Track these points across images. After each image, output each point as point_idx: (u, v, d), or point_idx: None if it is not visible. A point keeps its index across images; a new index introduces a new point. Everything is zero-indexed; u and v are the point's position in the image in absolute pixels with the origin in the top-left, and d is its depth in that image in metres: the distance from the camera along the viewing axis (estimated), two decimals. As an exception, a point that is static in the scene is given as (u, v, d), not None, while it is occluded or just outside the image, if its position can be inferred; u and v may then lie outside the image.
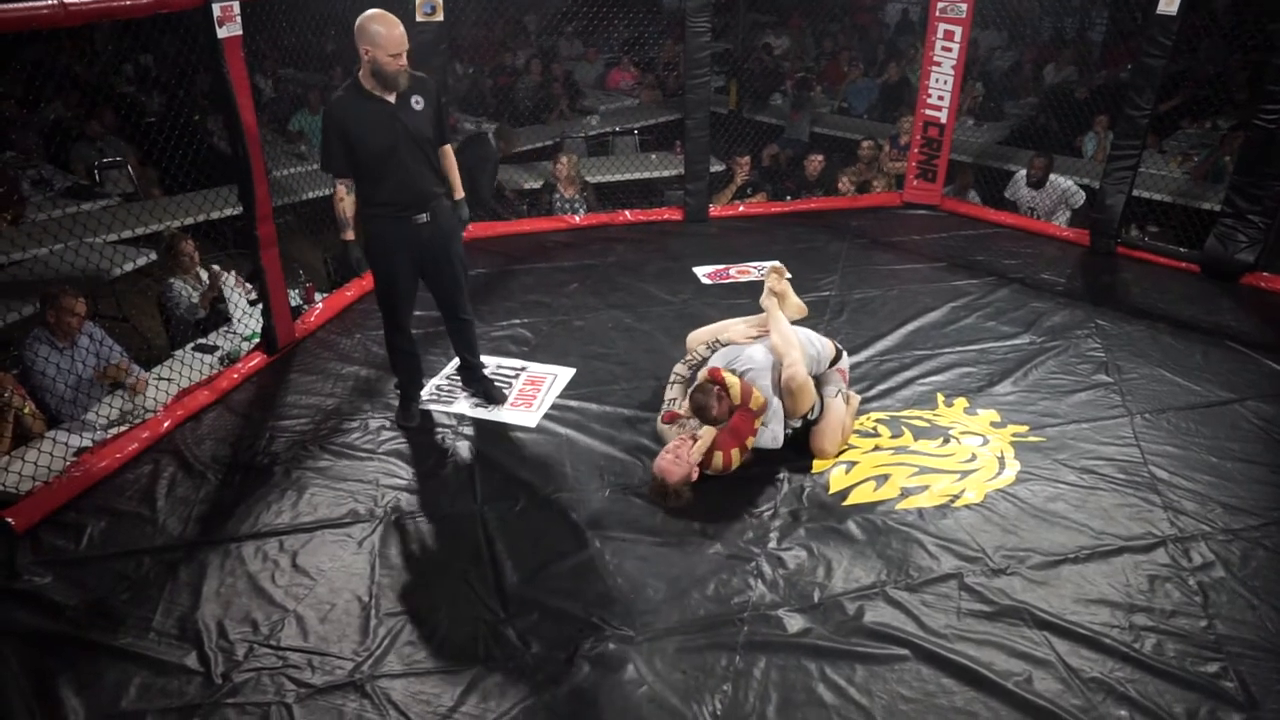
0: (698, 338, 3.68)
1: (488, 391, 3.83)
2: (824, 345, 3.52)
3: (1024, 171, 6.17)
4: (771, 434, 3.27)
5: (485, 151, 6.01)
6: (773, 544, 2.96)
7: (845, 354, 3.66)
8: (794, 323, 3.59)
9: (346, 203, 3.28)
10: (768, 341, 3.42)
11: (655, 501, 3.14)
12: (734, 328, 3.63)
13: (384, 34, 3.04)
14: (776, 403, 3.28)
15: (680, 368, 3.58)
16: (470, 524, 3.08)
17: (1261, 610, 2.64)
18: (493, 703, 2.37)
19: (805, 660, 2.50)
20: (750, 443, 3.20)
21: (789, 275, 3.69)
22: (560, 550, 2.94)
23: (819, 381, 3.47)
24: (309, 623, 2.65)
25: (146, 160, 6.80)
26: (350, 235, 3.34)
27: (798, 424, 3.41)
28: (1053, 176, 6.01)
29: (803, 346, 3.37)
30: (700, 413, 3.18)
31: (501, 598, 2.74)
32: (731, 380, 3.17)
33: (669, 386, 3.57)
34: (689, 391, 3.32)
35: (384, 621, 2.65)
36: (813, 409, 3.38)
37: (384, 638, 2.59)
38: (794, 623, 2.63)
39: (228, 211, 5.50)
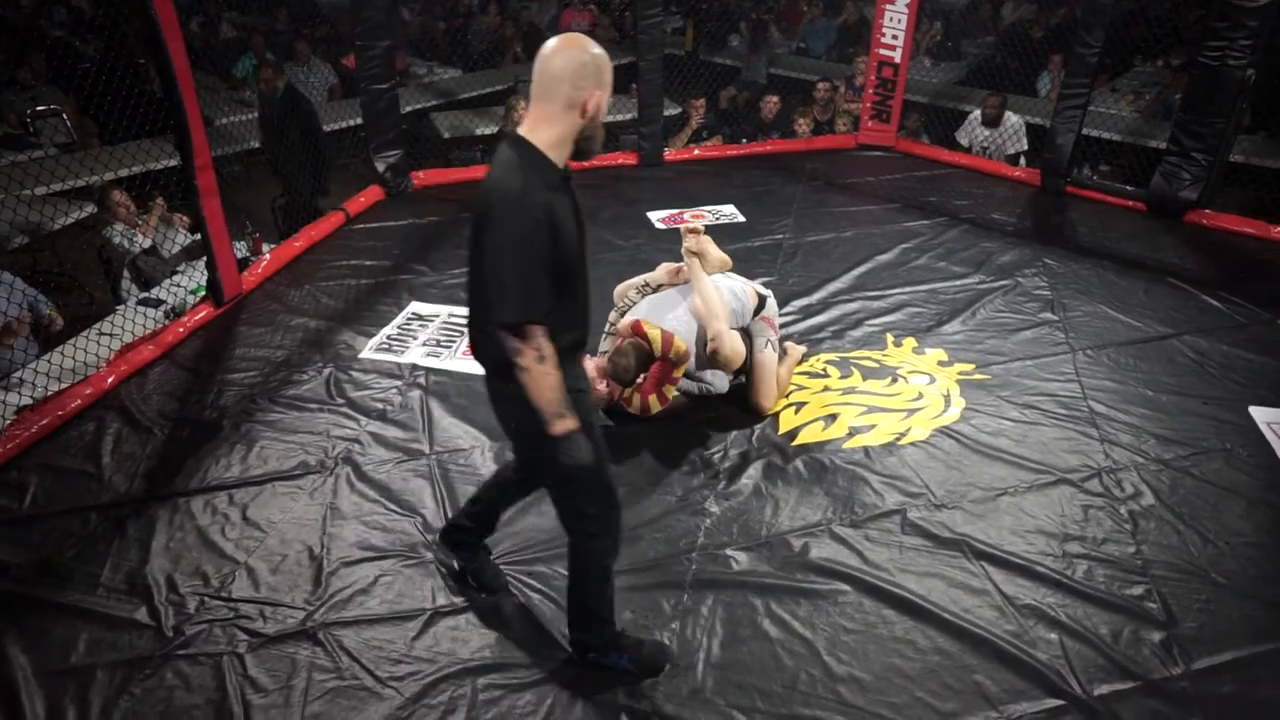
0: (626, 286, 3.56)
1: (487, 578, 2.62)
2: (746, 296, 3.37)
3: (977, 112, 6.17)
4: (722, 382, 3.28)
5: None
6: (722, 485, 3.01)
7: (770, 298, 3.50)
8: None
9: (555, 365, 1.93)
10: (691, 300, 3.28)
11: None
12: (656, 274, 3.51)
13: (610, 72, 1.95)
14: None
15: (613, 315, 3.50)
16: (422, 472, 3.09)
17: (1186, 535, 2.75)
18: (445, 646, 2.41)
19: (751, 596, 2.57)
20: (670, 391, 3.19)
21: (705, 230, 3.41)
22: (512, 496, 2.96)
23: (746, 334, 3.39)
24: (260, 574, 2.66)
25: (85, 110, 6.54)
26: (575, 421, 1.98)
27: (733, 379, 3.42)
28: (1008, 114, 6.01)
29: (726, 307, 3.24)
30: (616, 377, 3.16)
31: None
32: (653, 333, 3.12)
33: (604, 338, 3.48)
34: (609, 357, 3.24)
35: (336, 570, 2.67)
36: (743, 367, 3.34)
37: (336, 586, 2.60)
38: (741, 560, 2.69)
39: (167, 162, 5.34)
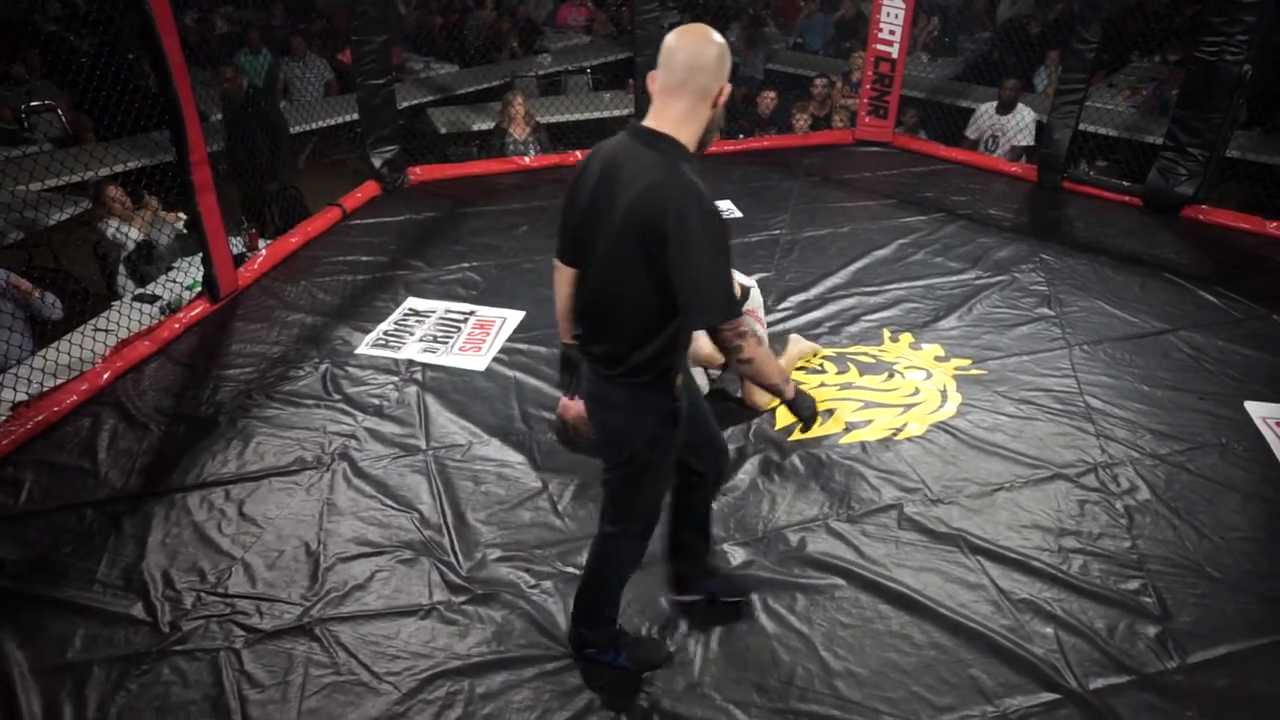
0: None
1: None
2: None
3: (985, 106, 6.15)
4: (701, 380, 3.29)
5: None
6: (719, 480, 3.01)
7: (754, 289, 3.43)
8: None
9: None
10: None
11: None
12: None
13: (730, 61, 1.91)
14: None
15: None
16: (419, 467, 3.09)
17: (1181, 530, 2.76)
18: (442, 642, 2.41)
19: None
20: None
21: None
22: (509, 491, 2.96)
23: None
24: (257, 570, 2.65)
25: (80, 105, 6.52)
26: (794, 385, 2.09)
27: (715, 374, 3.41)
28: (1023, 107, 6.01)
29: None
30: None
31: (450, 539, 2.76)
32: None
33: None
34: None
35: (333, 566, 2.66)
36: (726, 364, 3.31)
37: (333, 582, 2.60)
38: (737, 555, 2.70)
39: (163, 157, 5.32)
